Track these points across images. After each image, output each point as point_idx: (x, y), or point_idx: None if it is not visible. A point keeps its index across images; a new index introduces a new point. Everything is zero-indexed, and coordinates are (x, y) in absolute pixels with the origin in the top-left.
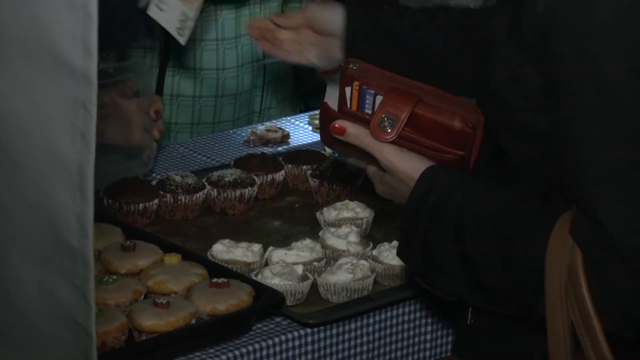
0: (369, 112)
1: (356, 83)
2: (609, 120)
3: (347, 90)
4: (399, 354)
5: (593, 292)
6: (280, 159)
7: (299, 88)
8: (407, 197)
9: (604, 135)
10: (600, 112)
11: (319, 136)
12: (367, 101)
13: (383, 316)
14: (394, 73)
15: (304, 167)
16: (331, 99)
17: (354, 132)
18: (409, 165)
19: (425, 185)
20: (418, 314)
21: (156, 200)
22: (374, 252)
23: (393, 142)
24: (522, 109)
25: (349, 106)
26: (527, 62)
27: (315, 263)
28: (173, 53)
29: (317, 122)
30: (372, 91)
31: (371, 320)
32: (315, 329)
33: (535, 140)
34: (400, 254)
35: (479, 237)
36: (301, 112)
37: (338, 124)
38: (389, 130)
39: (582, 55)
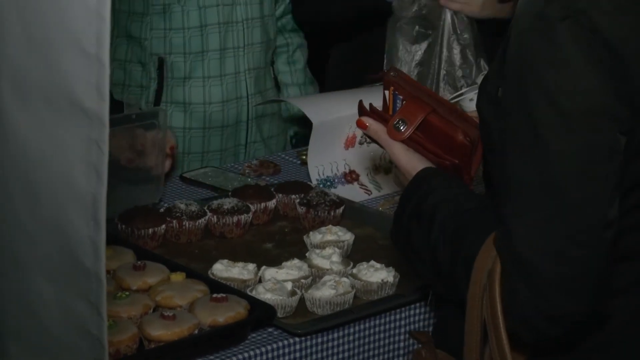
0: (394, 114)
1: (392, 88)
2: (530, 150)
3: (386, 93)
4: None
5: (502, 297)
6: (272, 189)
7: (288, 127)
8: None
9: (525, 163)
10: (525, 143)
11: (306, 169)
12: (397, 104)
13: (362, 326)
14: (422, 86)
15: (293, 196)
16: None
17: (374, 129)
18: (410, 164)
19: (417, 182)
20: (393, 325)
21: (164, 226)
22: (354, 270)
23: (403, 142)
24: (495, 129)
25: (386, 106)
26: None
27: (302, 280)
28: (165, 90)
29: (304, 157)
30: (401, 97)
31: (352, 330)
32: (303, 338)
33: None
34: (391, 234)
35: (442, 234)
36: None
37: (362, 119)
38: (402, 130)
39: (521, 94)
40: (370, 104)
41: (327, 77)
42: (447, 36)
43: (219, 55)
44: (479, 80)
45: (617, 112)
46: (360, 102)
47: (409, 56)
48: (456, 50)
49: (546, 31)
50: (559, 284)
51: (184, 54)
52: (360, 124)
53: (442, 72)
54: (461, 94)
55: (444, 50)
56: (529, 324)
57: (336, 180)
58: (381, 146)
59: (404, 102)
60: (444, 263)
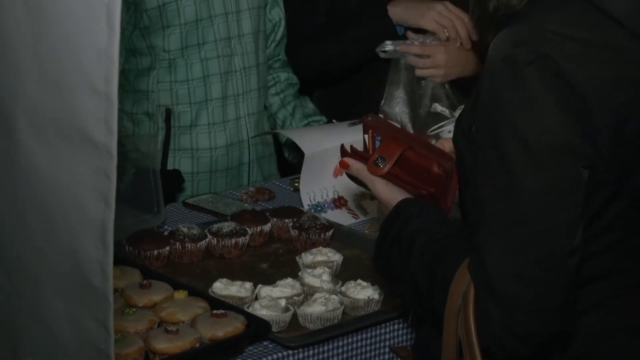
0: (373, 153)
1: (370, 131)
2: (500, 183)
3: (366, 137)
4: None
5: (476, 317)
6: (268, 213)
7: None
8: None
9: (496, 194)
10: (495, 176)
11: (298, 196)
12: (376, 144)
13: (350, 340)
14: (398, 127)
15: (287, 220)
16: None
17: (355, 167)
18: (390, 196)
19: (397, 211)
20: (378, 338)
21: (168, 247)
22: (342, 288)
23: (383, 177)
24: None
25: (366, 147)
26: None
27: (295, 297)
28: (173, 138)
29: (296, 184)
30: (380, 137)
31: (340, 343)
32: (296, 351)
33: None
34: (373, 260)
35: (420, 258)
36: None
37: (345, 160)
38: (381, 167)
39: (492, 131)
40: (351, 146)
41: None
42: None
43: (222, 103)
44: (457, 114)
45: (581, 149)
46: (342, 146)
47: (408, 94)
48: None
49: (514, 73)
50: (526, 306)
51: (190, 103)
52: (343, 164)
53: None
54: (441, 126)
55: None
56: (499, 343)
57: (326, 206)
58: (363, 185)
59: (382, 141)
60: (423, 287)
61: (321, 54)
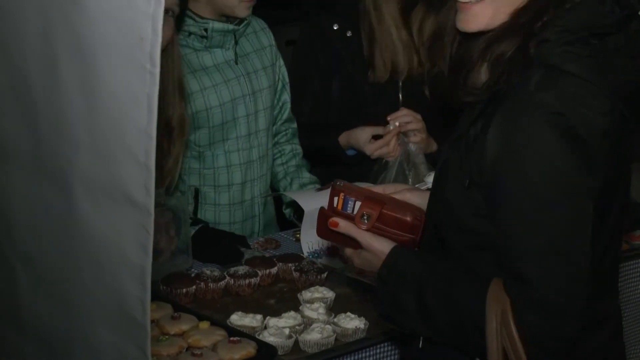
0: (351, 212)
1: (342, 194)
2: (531, 218)
3: (335, 199)
4: None
5: (519, 328)
6: (274, 259)
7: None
8: (379, 266)
9: (529, 228)
10: (527, 213)
11: (299, 245)
12: (349, 205)
13: None
14: (364, 188)
15: (290, 264)
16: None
17: (344, 225)
18: (380, 246)
19: (393, 258)
20: None
21: (194, 287)
22: (335, 319)
23: (369, 230)
24: (468, 215)
25: (335, 208)
26: (471, 184)
27: (297, 327)
28: (200, 211)
29: (298, 235)
30: (353, 199)
31: None
32: None
33: (471, 235)
34: (375, 305)
35: (436, 294)
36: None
37: (333, 220)
38: (367, 223)
39: (520, 181)
40: (335, 207)
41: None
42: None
43: (241, 188)
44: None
45: (589, 185)
46: (322, 209)
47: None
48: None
49: (538, 130)
50: (567, 314)
51: (214, 186)
52: (333, 224)
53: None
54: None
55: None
56: (542, 345)
57: (322, 253)
58: (343, 241)
59: (359, 202)
60: (443, 318)
61: (303, 142)
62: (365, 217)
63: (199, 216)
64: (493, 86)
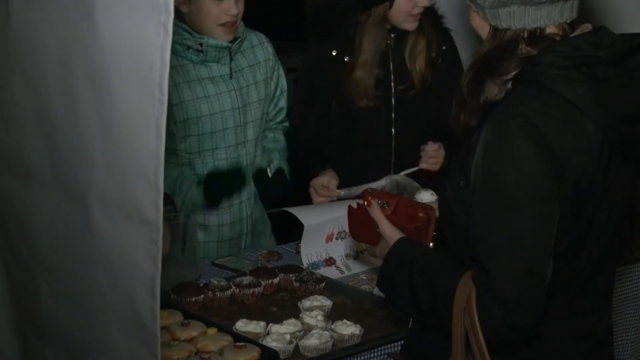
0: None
1: (370, 197)
2: (497, 214)
3: (365, 201)
4: None
5: (478, 314)
6: (277, 270)
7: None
8: (386, 252)
9: (494, 223)
10: (493, 210)
11: (299, 257)
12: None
13: None
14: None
15: (291, 275)
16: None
17: (373, 206)
18: (392, 233)
19: (397, 247)
20: None
21: (202, 295)
22: (332, 326)
23: (387, 217)
24: (460, 212)
25: (363, 205)
26: (464, 185)
27: (297, 333)
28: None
29: (299, 248)
30: (377, 199)
31: None
32: None
33: (462, 230)
34: (378, 284)
35: (422, 278)
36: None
37: (369, 198)
38: (387, 209)
39: (493, 182)
40: (372, 189)
41: None
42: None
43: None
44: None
45: (556, 192)
46: (351, 207)
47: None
48: None
49: (509, 137)
50: (520, 302)
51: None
52: (368, 203)
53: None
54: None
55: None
56: (498, 332)
57: (320, 264)
58: (368, 236)
59: (382, 197)
60: (424, 297)
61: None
62: (386, 206)
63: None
64: (494, 99)
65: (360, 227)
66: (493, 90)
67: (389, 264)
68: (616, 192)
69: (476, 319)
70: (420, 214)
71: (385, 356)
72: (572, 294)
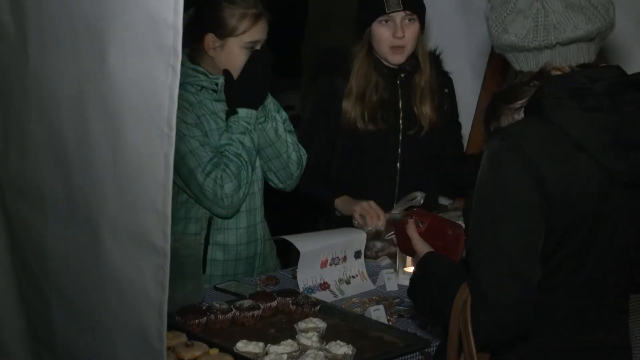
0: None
1: (415, 216)
2: (487, 227)
3: (410, 220)
4: None
5: (472, 317)
6: (274, 294)
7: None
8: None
9: (484, 235)
10: (484, 223)
11: (296, 281)
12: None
13: None
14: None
15: (288, 298)
16: None
17: (410, 224)
18: (421, 248)
19: (423, 259)
20: None
21: (205, 318)
22: (327, 346)
23: (421, 234)
24: None
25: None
26: None
27: (294, 353)
28: (212, 235)
29: (295, 273)
30: (415, 217)
31: None
32: None
33: None
34: (407, 291)
35: (437, 285)
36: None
37: (406, 220)
38: (421, 226)
39: (483, 198)
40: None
41: None
42: None
43: (246, 215)
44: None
45: (541, 206)
46: (399, 225)
47: None
48: None
49: (499, 158)
50: (506, 307)
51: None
52: (405, 222)
53: None
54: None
55: None
56: (486, 333)
57: (315, 288)
58: (408, 249)
59: (417, 215)
60: (437, 304)
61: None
62: (420, 224)
63: (210, 236)
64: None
65: (403, 242)
66: (507, 119)
67: (416, 275)
68: (622, 215)
69: (469, 321)
70: (449, 232)
71: None
72: (579, 307)
